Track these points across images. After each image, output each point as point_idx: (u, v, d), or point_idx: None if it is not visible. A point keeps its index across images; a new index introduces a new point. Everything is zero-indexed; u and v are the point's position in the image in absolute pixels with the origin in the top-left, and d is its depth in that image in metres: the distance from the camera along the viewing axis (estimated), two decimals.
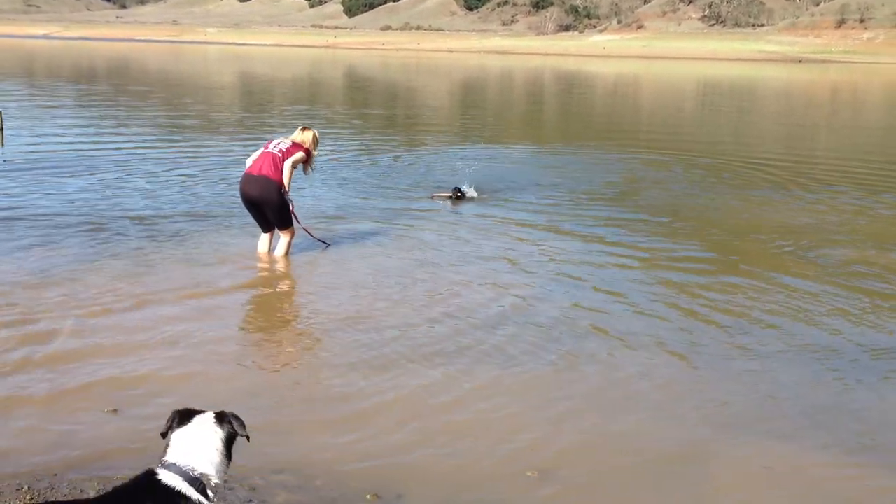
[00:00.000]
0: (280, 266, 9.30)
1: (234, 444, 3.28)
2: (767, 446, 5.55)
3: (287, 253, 9.44)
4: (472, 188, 13.54)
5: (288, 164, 9.08)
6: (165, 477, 3.03)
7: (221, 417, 3.26)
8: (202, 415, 3.25)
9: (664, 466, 5.29)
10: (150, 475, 3.04)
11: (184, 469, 3.05)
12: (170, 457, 3.09)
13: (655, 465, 5.30)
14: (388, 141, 21.65)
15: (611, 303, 8.27)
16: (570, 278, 9.04)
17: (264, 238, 9.50)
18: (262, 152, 9.16)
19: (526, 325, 7.53)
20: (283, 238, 9.42)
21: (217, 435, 3.20)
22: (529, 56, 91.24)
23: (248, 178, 9.10)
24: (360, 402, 5.98)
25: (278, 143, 9.24)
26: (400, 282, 8.74)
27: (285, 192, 9.09)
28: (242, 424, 3.29)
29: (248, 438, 3.32)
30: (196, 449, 3.12)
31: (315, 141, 9.44)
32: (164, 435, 3.24)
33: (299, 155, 9.20)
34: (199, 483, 3.05)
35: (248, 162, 9.22)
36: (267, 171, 9.02)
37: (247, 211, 9.42)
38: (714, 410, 6.04)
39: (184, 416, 3.23)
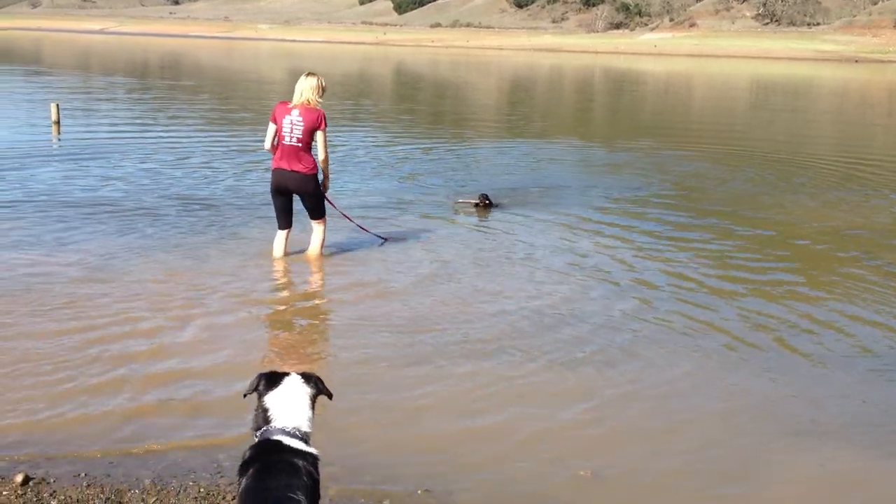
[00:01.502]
0: (316, 263, 9.17)
1: (316, 401, 3.49)
2: (820, 448, 5.45)
3: (322, 246, 9.24)
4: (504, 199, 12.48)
5: (321, 151, 8.80)
6: (290, 441, 3.24)
7: (308, 378, 3.49)
8: (290, 377, 3.45)
9: (717, 467, 5.22)
10: (279, 443, 3.22)
11: (293, 430, 3.29)
12: (278, 421, 3.30)
13: (708, 467, 5.23)
14: (438, 135, 21.64)
15: (661, 303, 8.17)
16: (617, 277, 8.96)
17: (280, 237, 9.15)
18: (283, 146, 8.72)
19: (577, 325, 7.47)
20: (317, 229, 9.22)
21: (307, 394, 3.44)
22: (579, 54, 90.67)
23: (282, 174, 8.81)
24: (410, 398, 5.98)
25: (292, 129, 8.66)
26: (448, 281, 8.73)
27: (325, 187, 9.06)
28: (324, 384, 3.53)
29: (330, 396, 3.56)
30: (294, 410, 3.35)
31: (322, 90, 8.77)
32: (247, 395, 3.47)
33: (320, 137, 8.74)
34: (307, 439, 3.31)
35: (266, 144, 8.87)
36: (296, 167, 8.75)
37: (272, 201, 9.12)
38: (769, 413, 5.95)
39: (271, 379, 3.44)
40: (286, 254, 9.17)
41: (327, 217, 9.25)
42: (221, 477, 4.77)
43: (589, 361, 6.68)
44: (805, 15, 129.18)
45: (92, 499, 4.53)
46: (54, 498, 4.52)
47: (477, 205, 11.94)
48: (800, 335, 7.44)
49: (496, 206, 12.05)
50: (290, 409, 3.35)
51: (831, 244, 10.92)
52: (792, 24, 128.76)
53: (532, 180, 14.95)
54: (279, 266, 9.03)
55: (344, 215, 9.86)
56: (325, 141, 8.81)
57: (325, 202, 9.16)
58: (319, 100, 8.72)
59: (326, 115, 8.75)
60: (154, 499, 4.57)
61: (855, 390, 6.34)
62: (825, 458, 5.36)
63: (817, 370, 6.69)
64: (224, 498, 4.55)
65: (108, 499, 4.54)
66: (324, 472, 4.61)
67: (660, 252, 10.08)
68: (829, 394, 6.28)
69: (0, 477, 4.69)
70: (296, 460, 3.16)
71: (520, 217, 11.67)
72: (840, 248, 10.71)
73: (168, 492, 4.64)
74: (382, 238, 10.05)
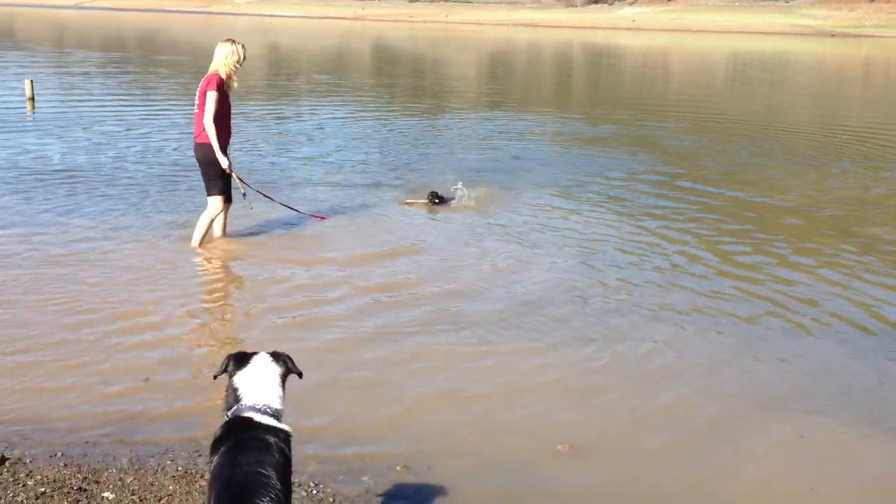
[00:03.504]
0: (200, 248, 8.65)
1: (287, 379, 3.51)
2: (804, 421, 5.52)
3: (204, 228, 8.59)
4: (460, 188, 11.21)
5: (207, 117, 8.21)
6: (259, 418, 3.26)
7: (277, 356, 3.51)
8: (258, 355, 3.47)
9: (698, 440, 5.28)
10: (249, 420, 3.24)
11: (264, 407, 3.30)
12: (248, 399, 3.32)
13: (689, 439, 5.29)
14: (413, 109, 21.54)
15: (647, 278, 8.24)
16: (602, 254, 9.01)
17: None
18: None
19: (560, 303, 7.51)
20: (208, 206, 8.65)
21: (277, 373, 3.46)
22: (558, 29, 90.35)
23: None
24: (390, 375, 6.00)
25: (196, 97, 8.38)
26: (430, 260, 8.74)
27: (217, 152, 8.33)
28: (293, 362, 3.54)
29: (300, 375, 3.56)
30: (264, 387, 3.37)
31: (227, 55, 8.32)
32: (217, 376, 3.49)
33: (210, 99, 8.20)
34: (279, 416, 3.32)
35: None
36: (196, 132, 8.44)
37: None
38: (751, 386, 6.02)
39: (240, 359, 3.46)
40: (224, 234, 8.87)
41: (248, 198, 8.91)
42: (199, 456, 4.77)
43: (567, 339, 6.71)
44: None
45: (69, 478, 4.52)
46: (31, 478, 4.51)
47: (426, 203, 10.90)
48: (784, 309, 7.52)
49: (448, 202, 10.98)
50: (259, 387, 3.36)
51: (814, 216, 10.98)
52: None
53: (505, 157, 14.88)
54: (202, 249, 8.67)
55: (260, 192, 9.51)
56: (209, 102, 8.22)
57: (220, 177, 8.50)
58: (233, 66, 8.35)
59: (219, 78, 8.29)
60: (132, 478, 4.56)
61: (840, 364, 6.42)
62: (806, 430, 5.42)
63: (801, 344, 6.77)
64: (203, 477, 4.55)
65: (85, 478, 4.53)
66: (303, 448, 4.65)
67: (637, 227, 10.11)
68: (812, 368, 6.36)
69: None
70: (267, 437, 3.18)
71: (476, 206, 10.94)
72: (824, 219, 10.78)
73: (146, 471, 4.64)
74: (319, 217, 9.81)
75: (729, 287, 8.01)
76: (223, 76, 8.35)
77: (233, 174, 8.64)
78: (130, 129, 16.12)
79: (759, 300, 7.68)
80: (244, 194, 8.92)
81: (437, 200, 10.78)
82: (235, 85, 8.53)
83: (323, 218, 9.82)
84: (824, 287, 8.10)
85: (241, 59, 8.42)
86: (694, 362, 6.35)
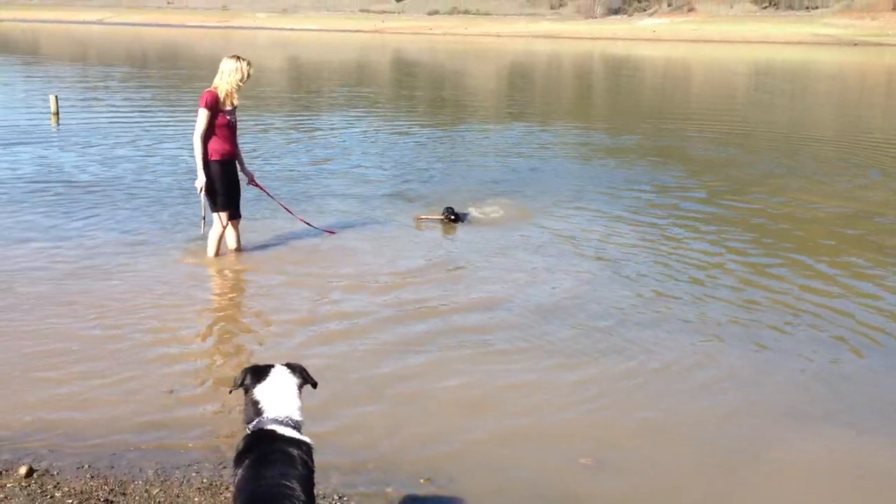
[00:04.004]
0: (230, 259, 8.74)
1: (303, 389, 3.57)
2: (831, 435, 5.46)
3: (214, 246, 8.65)
4: (474, 211, 10.92)
5: (195, 134, 8.24)
6: (282, 430, 3.30)
7: (293, 368, 3.57)
8: (276, 368, 3.53)
9: (727, 455, 5.23)
10: (272, 433, 3.28)
11: (285, 419, 3.35)
12: (269, 412, 3.36)
13: (718, 455, 5.24)
14: (433, 121, 21.59)
15: (680, 290, 8.19)
16: (633, 265, 8.96)
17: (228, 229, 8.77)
18: None
19: (586, 315, 7.47)
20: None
21: (295, 384, 3.52)
22: (578, 40, 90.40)
23: None
24: (413, 386, 6.00)
25: None
26: (439, 273, 8.75)
27: (198, 169, 8.28)
28: (308, 373, 3.61)
29: (314, 385, 3.62)
30: (284, 399, 3.42)
31: (231, 73, 8.26)
32: (233, 391, 3.54)
33: (199, 116, 8.19)
34: (299, 428, 3.37)
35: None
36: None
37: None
38: (785, 401, 5.96)
39: (257, 372, 3.51)
40: (239, 249, 8.86)
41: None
42: (224, 468, 4.79)
43: (593, 352, 6.69)
44: None
45: (96, 490, 4.55)
46: (58, 489, 4.55)
47: (442, 220, 10.43)
48: (809, 321, 7.45)
49: (464, 219, 10.57)
50: (279, 399, 3.41)
51: (853, 229, 10.89)
52: (790, 7, 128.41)
53: (525, 168, 14.86)
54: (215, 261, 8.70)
55: (287, 209, 9.47)
56: (198, 119, 8.24)
57: (223, 193, 8.46)
58: (236, 84, 8.27)
59: (211, 95, 8.24)
60: (157, 490, 4.59)
61: (879, 380, 6.35)
62: (834, 444, 5.37)
63: (838, 358, 6.69)
64: (227, 489, 4.57)
65: (112, 490, 4.57)
66: (326, 461, 4.66)
67: (658, 236, 10.06)
68: (841, 380, 6.30)
69: (4, 469, 4.72)
70: (290, 449, 3.21)
71: (498, 219, 10.84)
72: (878, 233, 10.67)
73: (171, 483, 4.67)
74: (329, 231, 9.75)
75: (763, 298, 7.96)
76: (220, 94, 8.30)
77: (259, 186, 8.78)
78: (151, 143, 16.25)
79: (794, 312, 7.61)
80: (203, 218, 8.71)
81: (452, 217, 10.38)
82: (237, 102, 8.45)
83: (333, 232, 9.76)
84: (861, 300, 8.00)
85: (245, 77, 8.35)
86: (726, 376, 6.30)
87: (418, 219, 10.62)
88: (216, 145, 8.34)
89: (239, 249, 8.88)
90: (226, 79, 8.29)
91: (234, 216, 8.73)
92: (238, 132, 8.74)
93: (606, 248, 9.54)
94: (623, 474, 4.98)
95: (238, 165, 8.72)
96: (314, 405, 4.28)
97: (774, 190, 13.16)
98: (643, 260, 9.13)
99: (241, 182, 8.74)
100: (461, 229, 10.33)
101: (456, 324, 7.18)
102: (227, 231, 8.73)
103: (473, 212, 10.94)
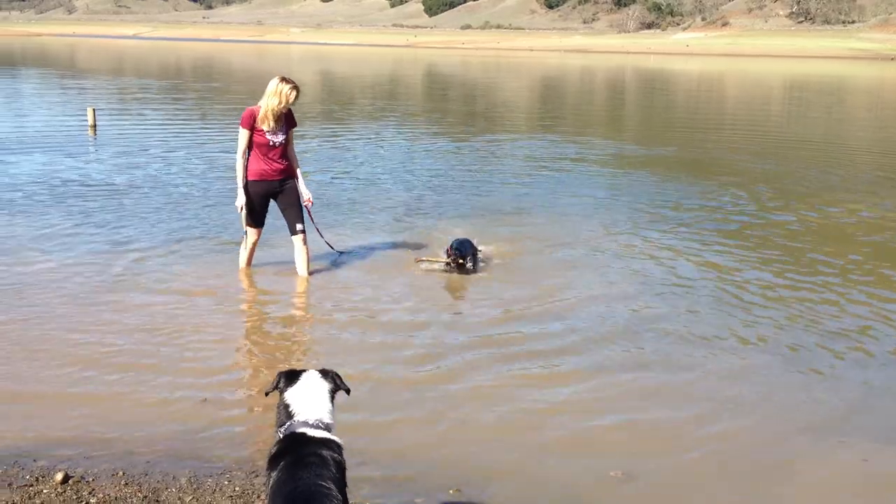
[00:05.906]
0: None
1: (335, 396, 3.60)
2: (859, 449, 5.40)
3: (243, 252, 8.76)
4: (482, 253, 9.35)
5: (237, 154, 8.33)
6: (314, 433, 3.35)
7: (325, 373, 3.61)
8: (308, 373, 3.58)
9: (758, 469, 5.19)
10: (304, 435, 3.33)
11: (316, 422, 3.39)
12: (300, 415, 3.40)
13: (748, 468, 5.20)
14: (464, 134, 21.62)
15: (703, 305, 8.14)
16: (655, 278, 8.93)
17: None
18: None
19: (618, 329, 7.46)
20: None
21: (326, 389, 3.55)
22: (611, 55, 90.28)
23: None
24: (444, 398, 6.01)
25: None
26: (477, 287, 8.76)
27: (239, 187, 8.33)
28: (342, 379, 3.64)
29: (347, 392, 3.65)
30: (315, 403, 3.46)
31: (269, 96, 8.05)
32: (269, 393, 3.59)
33: (239, 136, 8.22)
34: (330, 430, 3.41)
35: None
36: None
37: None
38: (816, 415, 5.91)
39: (290, 376, 3.56)
40: (248, 264, 8.78)
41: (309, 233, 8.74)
42: (256, 476, 4.82)
43: (626, 365, 6.67)
44: (840, 13, 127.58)
45: (130, 497, 4.60)
46: (93, 496, 4.60)
47: (447, 263, 8.89)
48: (843, 335, 7.38)
49: (475, 261, 8.98)
50: (310, 402, 3.46)
51: (874, 243, 10.77)
52: (826, 22, 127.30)
53: (552, 182, 14.74)
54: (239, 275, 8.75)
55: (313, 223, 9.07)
56: (241, 146, 8.26)
57: (252, 210, 8.45)
58: (274, 107, 8.04)
59: (248, 114, 8.13)
60: (190, 497, 4.63)
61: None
62: (870, 460, 5.31)
63: (870, 374, 6.62)
64: (259, 497, 4.60)
65: (145, 497, 4.61)
66: (358, 470, 4.68)
67: (692, 252, 10.01)
68: (880, 397, 6.24)
69: (40, 475, 4.78)
70: (323, 451, 3.26)
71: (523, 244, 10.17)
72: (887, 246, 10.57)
73: (204, 491, 4.71)
74: (339, 251, 9.48)
75: (800, 313, 7.91)
76: (259, 113, 8.14)
77: (307, 209, 8.61)
78: (186, 154, 16.47)
79: (834, 329, 7.55)
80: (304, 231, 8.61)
81: (461, 261, 8.76)
82: (273, 124, 8.16)
83: (341, 252, 9.50)
84: (883, 315, 7.92)
85: (284, 103, 8.06)
86: (758, 390, 6.25)
87: (419, 260, 9.26)
88: (252, 164, 8.33)
89: (248, 265, 8.80)
90: (264, 100, 8.14)
91: (295, 232, 8.59)
92: (293, 148, 8.56)
93: (634, 259, 9.51)
94: (652, 487, 4.96)
95: (295, 182, 8.55)
96: (347, 419, 4.30)
97: (815, 204, 13.02)
98: (678, 273, 9.08)
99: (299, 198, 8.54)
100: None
101: (487, 336, 7.19)
102: (295, 250, 8.62)
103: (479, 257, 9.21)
